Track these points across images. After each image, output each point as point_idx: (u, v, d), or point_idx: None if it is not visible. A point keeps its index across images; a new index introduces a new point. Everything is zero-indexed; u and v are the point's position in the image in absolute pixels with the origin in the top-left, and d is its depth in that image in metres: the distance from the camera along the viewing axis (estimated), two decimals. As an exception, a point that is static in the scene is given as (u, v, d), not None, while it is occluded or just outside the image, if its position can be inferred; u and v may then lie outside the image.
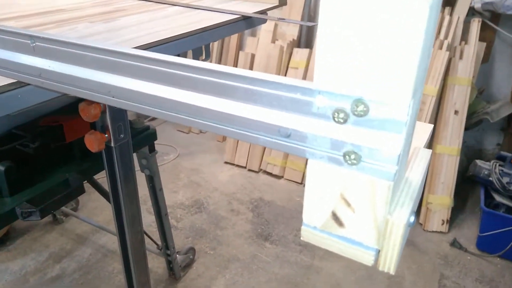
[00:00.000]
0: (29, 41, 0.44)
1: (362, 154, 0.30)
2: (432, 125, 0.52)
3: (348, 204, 0.32)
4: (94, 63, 0.39)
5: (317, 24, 0.96)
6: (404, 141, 0.28)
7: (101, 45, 0.38)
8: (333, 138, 0.31)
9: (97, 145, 0.94)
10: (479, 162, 2.34)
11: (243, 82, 0.33)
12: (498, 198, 2.20)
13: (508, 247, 2.05)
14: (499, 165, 2.29)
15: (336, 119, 0.30)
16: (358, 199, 0.31)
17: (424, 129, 0.49)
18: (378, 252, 0.33)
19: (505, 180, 2.20)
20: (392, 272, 0.32)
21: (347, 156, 0.31)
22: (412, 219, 0.33)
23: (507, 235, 2.05)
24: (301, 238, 0.35)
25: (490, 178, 2.23)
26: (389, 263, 0.32)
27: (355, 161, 0.30)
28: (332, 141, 0.31)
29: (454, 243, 2.21)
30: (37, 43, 0.42)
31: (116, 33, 0.96)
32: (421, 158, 0.39)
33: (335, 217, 0.33)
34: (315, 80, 0.30)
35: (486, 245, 2.16)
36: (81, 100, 0.94)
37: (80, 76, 0.40)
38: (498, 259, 2.12)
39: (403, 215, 0.31)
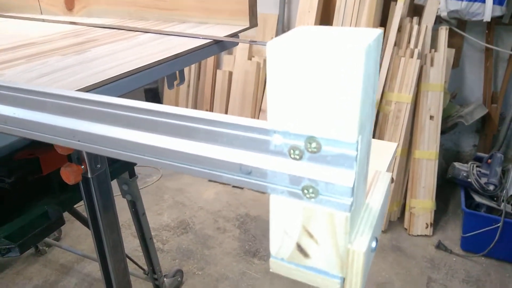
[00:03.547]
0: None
1: (319, 188, 0.31)
2: (396, 144, 0.54)
3: (311, 236, 0.33)
4: (56, 109, 0.39)
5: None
6: (356, 174, 0.30)
7: (58, 91, 0.39)
8: (291, 173, 0.32)
9: (74, 178, 0.94)
10: (457, 164, 2.40)
11: (203, 124, 0.34)
12: (478, 198, 2.25)
13: (491, 246, 2.09)
14: (477, 166, 2.35)
15: (292, 156, 0.32)
16: (320, 231, 0.33)
17: (388, 149, 0.51)
18: (343, 280, 0.34)
19: (483, 180, 2.25)
20: (357, 298, 0.33)
21: (305, 190, 0.32)
22: (374, 244, 0.34)
23: (489, 234, 2.10)
24: (270, 270, 0.36)
25: (469, 180, 2.29)
26: (354, 290, 0.33)
27: (313, 195, 0.32)
28: (290, 176, 0.32)
29: (439, 246, 2.24)
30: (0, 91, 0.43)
31: (87, 65, 0.97)
32: (381, 182, 0.40)
33: (300, 249, 0.34)
34: (270, 120, 0.32)
35: (470, 246, 2.20)
36: (55, 133, 0.93)
37: (44, 122, 0.41)
38: (483, 258, 2.16)
39: (363, 243, 0.32)
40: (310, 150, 0.31)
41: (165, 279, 1.83)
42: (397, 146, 0.53)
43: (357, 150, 0.29)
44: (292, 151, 0.31)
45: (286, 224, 0.34)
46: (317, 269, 0.34)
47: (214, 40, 1.18)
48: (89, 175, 0.99)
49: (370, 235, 0.33)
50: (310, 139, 0.30)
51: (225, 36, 1.21)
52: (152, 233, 1.69)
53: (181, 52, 1.08)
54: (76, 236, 2.30)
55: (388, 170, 0.46)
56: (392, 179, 0.45)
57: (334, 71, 0.27)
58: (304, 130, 0.30)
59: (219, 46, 1.22)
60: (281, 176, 0.32)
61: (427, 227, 2.36)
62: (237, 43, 1.28)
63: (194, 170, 0.36)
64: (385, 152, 0.49)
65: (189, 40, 1.19)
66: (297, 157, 0.31)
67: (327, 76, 0.28)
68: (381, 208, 0.37)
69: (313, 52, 0.27)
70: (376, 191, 0.39)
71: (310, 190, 0.32)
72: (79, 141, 0.40)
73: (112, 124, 0.38)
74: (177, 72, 1.18)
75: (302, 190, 0.32)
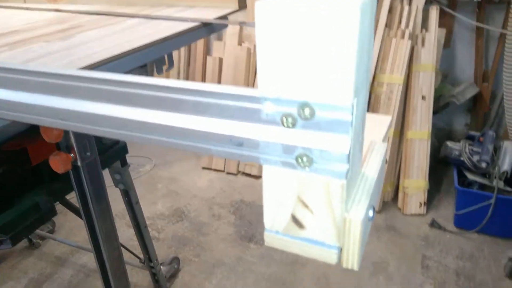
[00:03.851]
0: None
1: (313, 156, 0.30)
2: (391, 117, 0.53)
3: (306, 206, 0.32)
4: (39, 88, 0.38)
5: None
6: (352, 140, 0.29)
7: (42, 68, 0.37)
8: (284, 143, 0.31)
9: (63, 166, 0.92)
10: (449, 143, 2.41)
11: (190, 95, 0.33)
12: (470, 176, 2.27)
13: (484, 222, 2.12)
14: (469, 144, 2.36)
15: (285, 124, 0.31)
16: (315, 200, 0.32)
17: (382, 122, 0.50)
18: (341, 249, 0.33)
19: (476, 158, 2.27)
20: (356, 268, 0.33)
21: (299, 159, 0.31)
22: (371, 213, 0.34)
23: (482, 211, 2.12)
24: (265, 244, 0.35)
25: (462, 158, 2.30)
26: (352, 260, 0.33)
27: (307, 164, 0.31)
28: (283, 146, 0.31)
29: (433, 224, 2.26)
30: (-20, 72, 0.41)
31: (73, 50, 0.94)
32: (376, 152, 0.40)
33: (295, 220, 0.33)
34: (260, 87, 0.30)
35: (463, 223, 2.23)
36: (42, 121, 0.91)
37: (27, 102, 0.39)
38: (476, 234, 2.19)
39: (360, 212, 0.32)
40: (303, 117, 0.30)
41: (161, 267, 1.83)
42: (391, 122, 0.51)
43: (352, 114, 0.28)
44: (284, 119, 0.30)
45: (280, 196, 0.33)
46: (313, 240, 0.33)
47: (203, 22, 1.15)
48: (79, 163, 0.97)
49: (367, 203, 0.32)
50: (303, 105, 0.29)
51: (214, 18, 1.19)
52: (147, 222, 1.68)
53: (169, 35, 1.06)
54: (70, 228, 2.29)
55: (384, 141, 0.45)
56: (385, 159, 0.44)
57: (328, 30, 0.26)
58: (297, 95, 0.29)
59: (208, 29, 1.20)
60: (274, 146, 0.31)
61: (420, 206, 2.38)
62: (226, 25, 1.25)
63: (182, 144, 0.35)
64: (379, 124, 0.48)
65: (178, 23, 1.17)
66: (290, 125, 0.30)
67: (321, 36, 0.26)
68: (377, 177, 0.36)
69: (305, 11, 0.26)
70: (372, 160, 0.38)
71: (304, 159, 0.31)
72: (63, 120, 0.39)
73: (96, 100, 0.37)
74: (166, 56, 1.15)
75: (296, 159, 0.31)
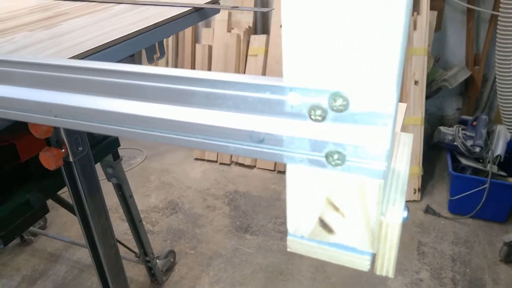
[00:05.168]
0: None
1: (346, 153, 0.27)
2: (405, 104, 0.50)
3: (337, 209, 0.29)
4: (27, 80, 0.33)
5: (273, 9, 0.92)
6: (391, 134, 0.25)
7: (28, 59, 0.33)
8: (312, 138, 0.27)
9: (54, 162, 0.87)
10: (442, 128, 2.40)
11: (203, 86, 0.29)
12: (464, 161, 2.27)
13: (478, 207, 2.12)
14: (462, 129, 2.35)
15: (313, 117, 0.27)
16: (347, 202, 0.28)
17: (400, 110, 0.47)
18: (374, 255, 0.30)
19: (469, 143, 2.26)
20: (391, 275, 0.30)
21: (330, 157, 0.27)
22: (405, 214, 0.30)
23: (476, 196, 2.12)
24: (288, 249, 0.32)
25: (455, 143, 2.30)
26: (387, 266, 0.30)
27: (339, 162, 0.27)
28: (311, 141, 0.28)
29: (428, 210, 2.27)
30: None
31: (59, 39, 0.89)
32: (403, 144, 0.36)
33: (323, 224, 0.30)
34: (285, 76, 0.26)
35: (457, 208, 2.23)
36: (29, 115, 0.86)
37: (13, 96, 0.35)
38: (470, 219, 2.19)
39: (397, 213, 0.28)
40: (335, 108, 0.26)
41: (157, 260, 1.80)
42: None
43: (394, 106, 0.24)
44: (312, 112, 0.27)
45: (307, 197, 0.29)
46: (343, 246, 0.30)
47: (194, 7, 1.10)
48: (71, 159, 0.93)
49: (403, 203, 0.29)
50: (335, 95, 0.26)
51: (205, 3, 1.14)
52: (141, 216, 1.64)
53: (160, 22, 1.01)
54: (62, 223, 2.24)
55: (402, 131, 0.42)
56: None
57: (373, 7, 0.22)
58: (328, 84, 0.25)
59: (200, 14, 1.15)
60: (300, 142, 0.28)
61: (415, 193, 2.38)
62: (218, 10, 1.20)
63: (194, 142, 0.31)
64: (398, 113, 0.45)
65: (167, 9, 1.11)
66: (319, 118, 0.27)
67: (362, 11, 0.22)
68: (408, 173, 0.33)
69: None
70: (401, 153, 0.35)
71: (336, 156, 0.27)
72: (56, 116, 0.34)
73: (94, 93, 0.33)
74: (157, 44, 1.10)
75: (326, 156, 0.27)
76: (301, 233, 0.31)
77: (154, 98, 0.31)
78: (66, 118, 0.34)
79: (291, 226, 0.31)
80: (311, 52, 0.25)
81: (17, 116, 0.36)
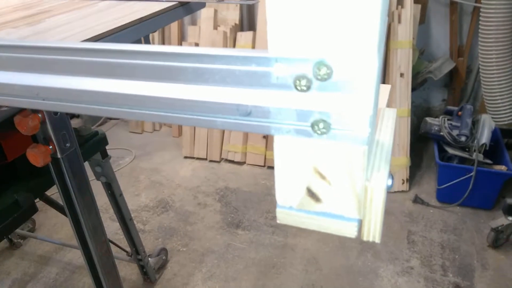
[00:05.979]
0: None
1: (331, 121, 0.28)
2: (390, 85, 0.51)
3: (323, 177, 0.30)
4: (11, 64, 0.33)
5: (258, 1, 0.91)
6: (374, 101, 0.26)
7: (12, 42, 0.33)
8: (298, 108, 0.28)
9: (42, 159, 0.87)
10: (429, 119, 2.44)
11: (189, 61, 0.30)
12: (450, 150, 2.30)
13: (465, 195, 2.16)
14: (448, 119, 2.39)
15: (298, 87, 0.28)
16: (333, 170, 0.29)
17: (383, 90, 0.48)
18: (360, 222, 0.31)
19: (455, 132, 2.30)
20: (377, 240, 0.31)
21: (315, 126, 0.28)
22: (390, 182, 0.31)
23: (463, 184, 2.16)
24: (277, 221, 0.33)
25: (441, 133, 2.33)
26: (373, 232, 0.30)
27: (324, 130, 0.28)
28: (297, 111, 0.28)
29: (416, 200, 2.30)
30: None
31: (42, 35, 0.88)
32: (388, 117, 0.37)
33: (311, 193, 0.31)
34: (270, 47, 0.27)
35: (445, 197, 2.27)
36: (15, 113, 0.85)
37: (0, 81, 0.35)
38: (458, 207, 2.23)
39: (382, 179, 0.29)
40: (319, 77, 0.27)
41: (149, 259, 1.80)
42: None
43: (376, 71, 0.25)
44: (298, 82, 0.27)
45: (294, 168, 0.30)
46: (331, 214, 0.31)
47: (180, 2, 1.10)
48: (59, 155, 0.92)
49: (387, 170, 0.30)
50: (319, 64, 0.26)
51: (190, -2, 1.14)
52: (132, 215, 1.63)
53: (145, 16, 1.00)
54: (51, 226, 2.21)
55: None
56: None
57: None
58: (312, 53, 0.26)
59: (185, 9, 1.15)
60: (287, 113, 0.28)
61: (403, 183, 2.41)
62: (204, 5, 1.20)
63: (182, 118, 0.32)
64: (382, 91, 0.46)
65: (152, 4, 1.11)
66: (304, 88, 0.27)
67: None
68: (392, 143, 0.34)
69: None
70: (385, 126, 0.36)
71: (321, 125, 0.28)
72: (43, 99, 0.35)
73: (81, 74, 0.33)
74: (143, 39, 1.10)
75: (312, 126, 0.28)
76: (289, 204, 0.32)
77: (142, 76, 0.32)
78: (54, 101, 0.34)
79: (280, 197, 0.32)
80: (294, 21, 0.26)
81: (4, 102, 0.36)
